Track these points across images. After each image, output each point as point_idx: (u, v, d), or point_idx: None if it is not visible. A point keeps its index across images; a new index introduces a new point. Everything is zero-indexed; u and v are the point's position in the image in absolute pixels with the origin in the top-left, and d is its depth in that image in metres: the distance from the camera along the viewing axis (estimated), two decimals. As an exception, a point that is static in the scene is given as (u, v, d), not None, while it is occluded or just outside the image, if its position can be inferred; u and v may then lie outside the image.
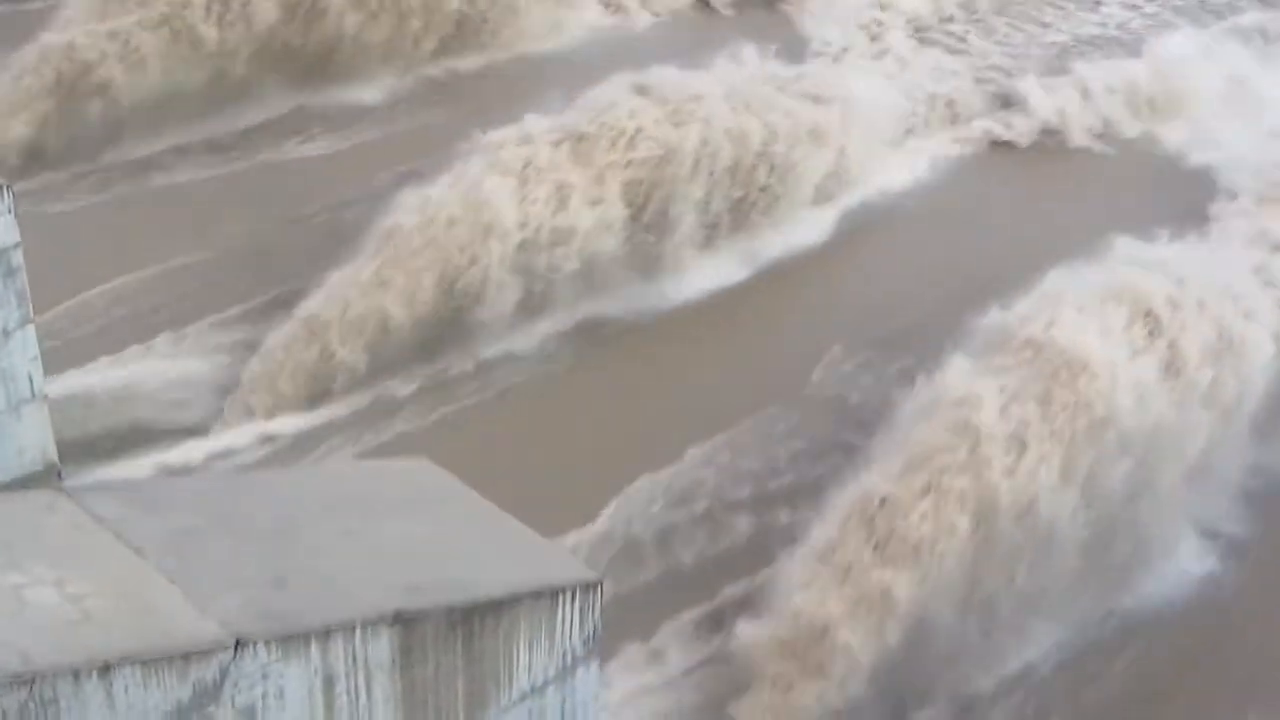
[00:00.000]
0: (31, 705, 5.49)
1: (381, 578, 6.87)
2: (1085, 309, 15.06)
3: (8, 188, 9.58)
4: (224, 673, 6.03)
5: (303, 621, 6.35)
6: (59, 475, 10.66)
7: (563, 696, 7.54)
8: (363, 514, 7.52)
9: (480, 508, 7.80)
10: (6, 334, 10.04)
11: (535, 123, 18.07)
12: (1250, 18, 27.25)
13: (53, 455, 10.67)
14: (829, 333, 17.36)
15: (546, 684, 7.41)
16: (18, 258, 9.75)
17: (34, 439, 10.46)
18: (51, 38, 19.99)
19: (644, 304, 17.79)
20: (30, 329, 10.23)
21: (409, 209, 16.85)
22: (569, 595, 7.35)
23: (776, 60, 20.84)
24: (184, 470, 13.84)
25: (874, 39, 24.15)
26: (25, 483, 9.94)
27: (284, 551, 6.88)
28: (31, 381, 10.35)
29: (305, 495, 7.97)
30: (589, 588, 7.47)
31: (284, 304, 16.51)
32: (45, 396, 10.61)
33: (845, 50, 23.74)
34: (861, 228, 19.47)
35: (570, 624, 7.40)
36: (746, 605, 13.44)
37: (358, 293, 15.94)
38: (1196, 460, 14.77)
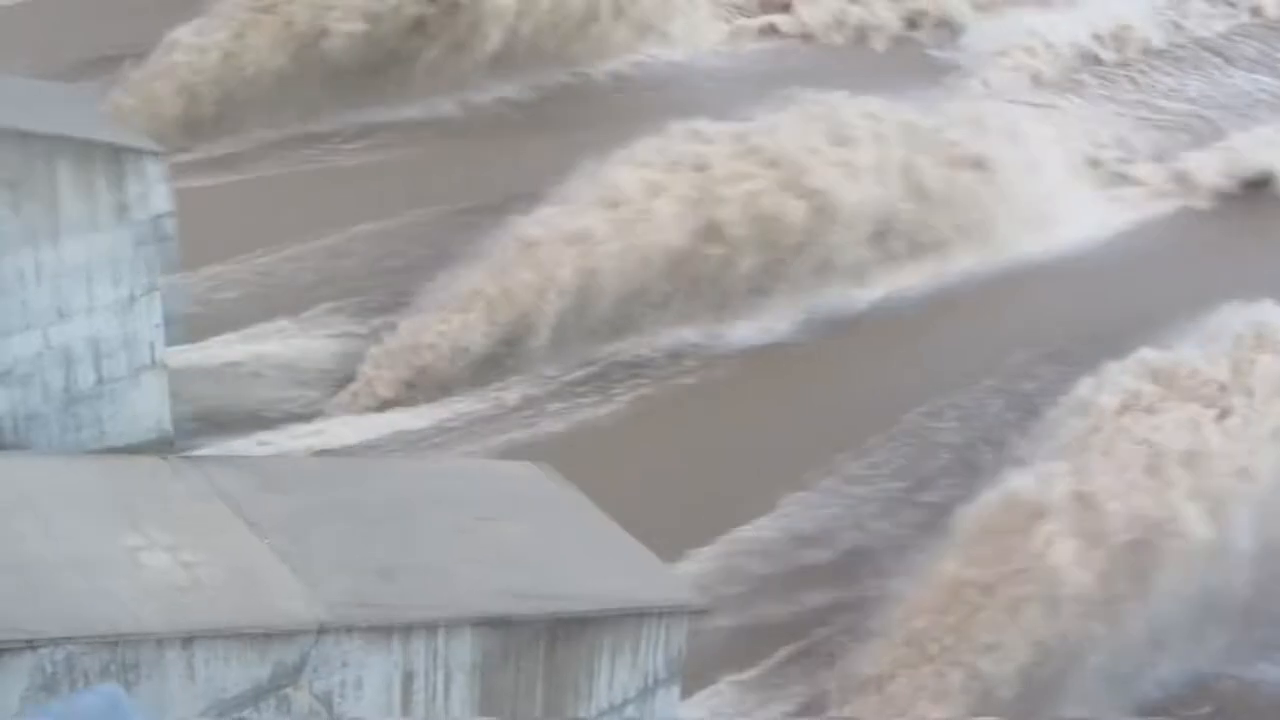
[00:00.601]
0: (114, 668, 5.71)
1: (484, 579, 7.00)
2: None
3: (161, 156, 9.90)
4: (304, 657, 6.21)
5: (389, 614, 6.51)
6: (171, 446, 10.94)
7: (641, 716, 7.60)
8: (474, 512, 7.67)
9: (591, 517, 7.90)
10: (133, 299, 10.34)
11: (685, 135, 17.85)
12: None
13: (167, 425, 10.97)
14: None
15: (626, 702, 7.49)
16: (168, 226, 10.05)
17: (151, 407, 10.77)
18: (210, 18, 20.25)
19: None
20: (156, 297, 10.53)
21: (546, 219, 16.66)
22: (657, 617, 7.43)
23: (934, 97, 20.52)
24: (293, 453, 13.97)
25: (1035, 78, 23.55)
26: (138, 449, 10.22)
27: (394, 541, 7.03)
28: (153, 349, 10.66)
29: (420, 488, 8.13)
30: (678, 611, 7.55)
31: (409, 298, 16.51)
32: (165, 365, 10.92)
33: (1006, 88, 23.18)
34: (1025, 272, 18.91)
35: (655, 645, 7.47)
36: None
37: (490, 291, 15.85)
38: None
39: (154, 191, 9.62)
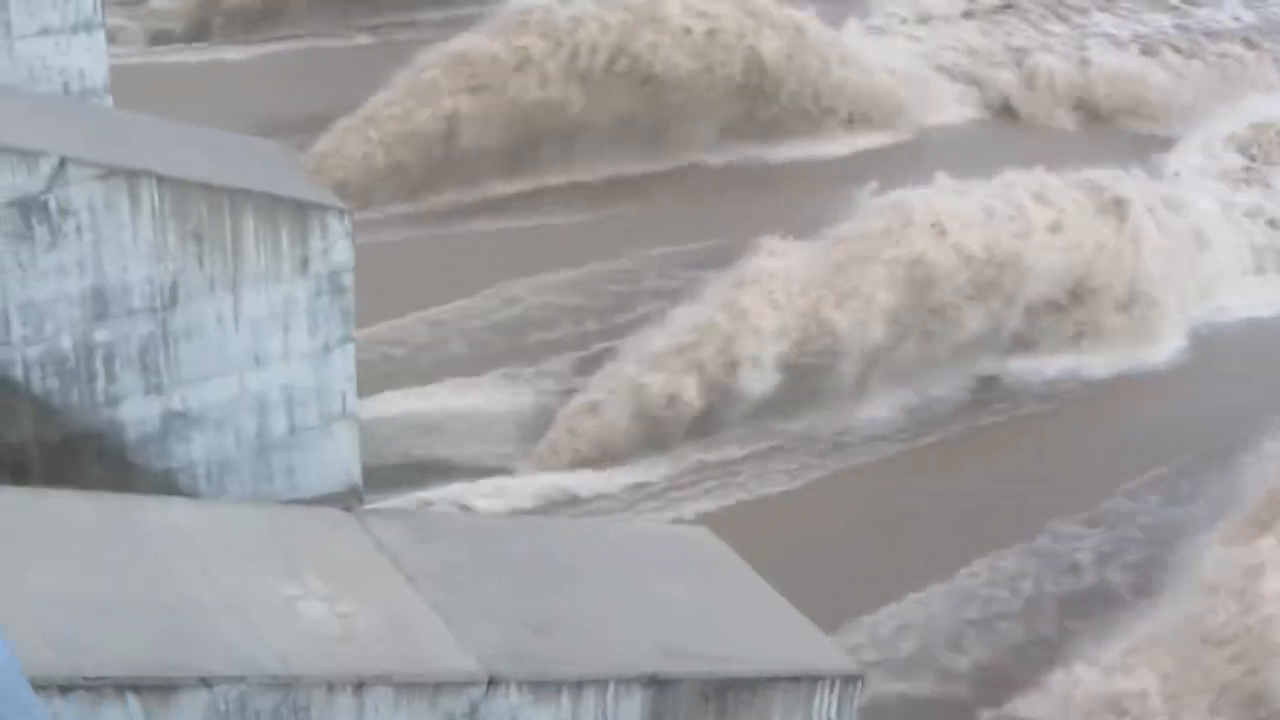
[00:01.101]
0: (284, 710, 5.78)
1: (642, 638, 6.97)
2: None
3: (348, 213, 10.11)
4: (474, 708, 6.23)
5: (559, 669, 6.50)
6: (360, 498, 11.11)
7: (808, 783, 7.48)
8: (632, 572, 7.65)
9: (752, 584, 7.82)
10: (328, 349, 10.54)
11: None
12: None
13: (356, 477, 11.13)
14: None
15: (794, 769, 7.37)
16: (349, 279, 10.25)
17: (341, 458, 10.93)
18: (416, 73, 20.79)
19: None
20: (350, 348, 10.73)
21: (754, 276, 16.64)
22: (829, 685, 7.32)
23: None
24: (481, 508, 14.10)
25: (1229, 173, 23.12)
26: (327, 500, 10.39)
27: (549, 598, 7.04)
28: (345, 400, 10.84)
29: (578, 546, 8.11)
30: (850, 680, 7.43)
31: (600, 357, 16.61)
32: (357, 416, 11.11)
33: (1199, 170, 22.78)
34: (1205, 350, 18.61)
35: (827, 713, 7.35)
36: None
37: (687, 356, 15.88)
38: None
39: (336, 246, 9.82)
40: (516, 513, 14.09)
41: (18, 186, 8.66)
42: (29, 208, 8.74)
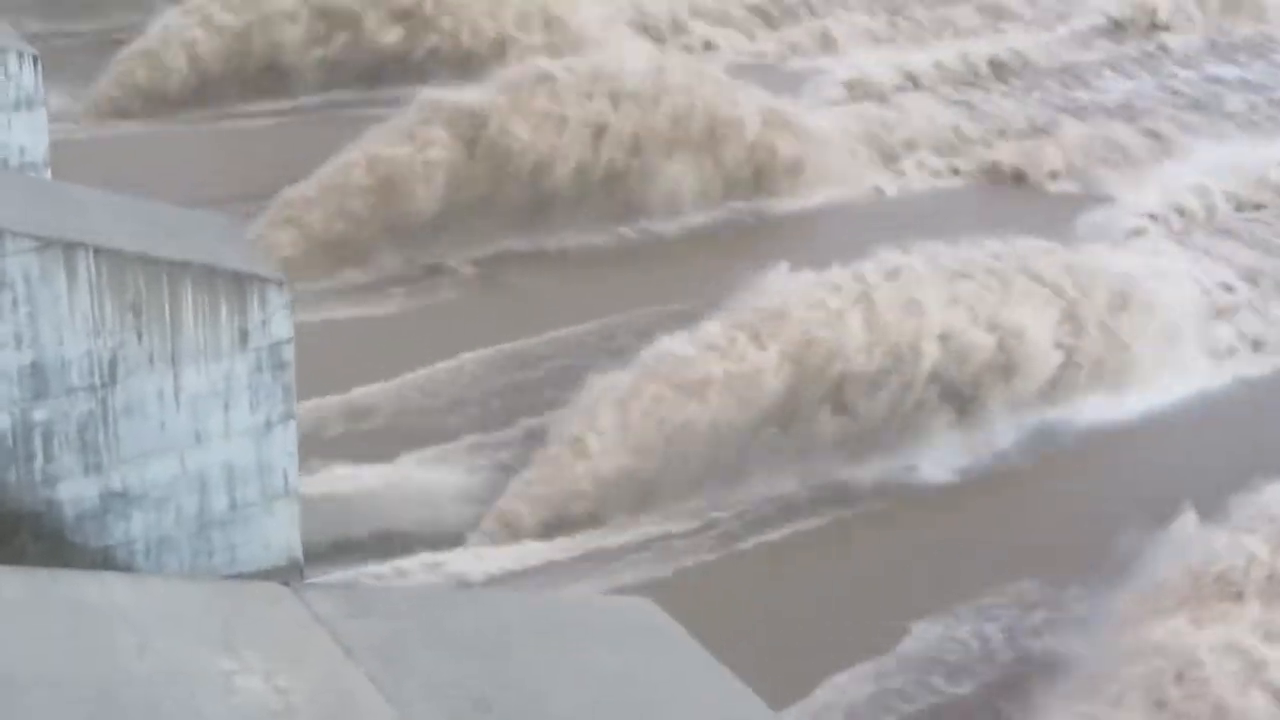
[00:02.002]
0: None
1: (577, 711, 6.95)
2: None
3: (286, 284, 10.13)
4: (402, 784, 6.21)
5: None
6: (300, 573, 11.08)
7: None
8: (574, 645, 7.62)
9: (694, 654, 7.79)
10: (269, 426, 10.54)
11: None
12: None
13: (297, 552, 11.09)
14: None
15: None
16: (289, 353, 10.25)
17: (282, 534, 10.91)
18: (365, 150, 20.97)
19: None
20: (292, 424, 10.73)
21: (689, 343, 16.70)
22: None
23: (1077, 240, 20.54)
24: (425, 581, 14.09)
25: (1172, 230, 23.45)
26: (268, 575, 10.36)
27: (490, 671, 7.02)
28: (286, 477, 10.83)
29: (520, 618, 8.07)
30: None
31: (541, 431, 16.67)
32: (298, 493, 11.09)
33: (1145, 233, 23.10)
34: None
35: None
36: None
37: (631, 419, 15.90)
38: None
39: (275, 318, 9.83)
40: (460, 585, 14.08)
41: (-47, 260, 8.69)
42: (-36, 282, 8.77)
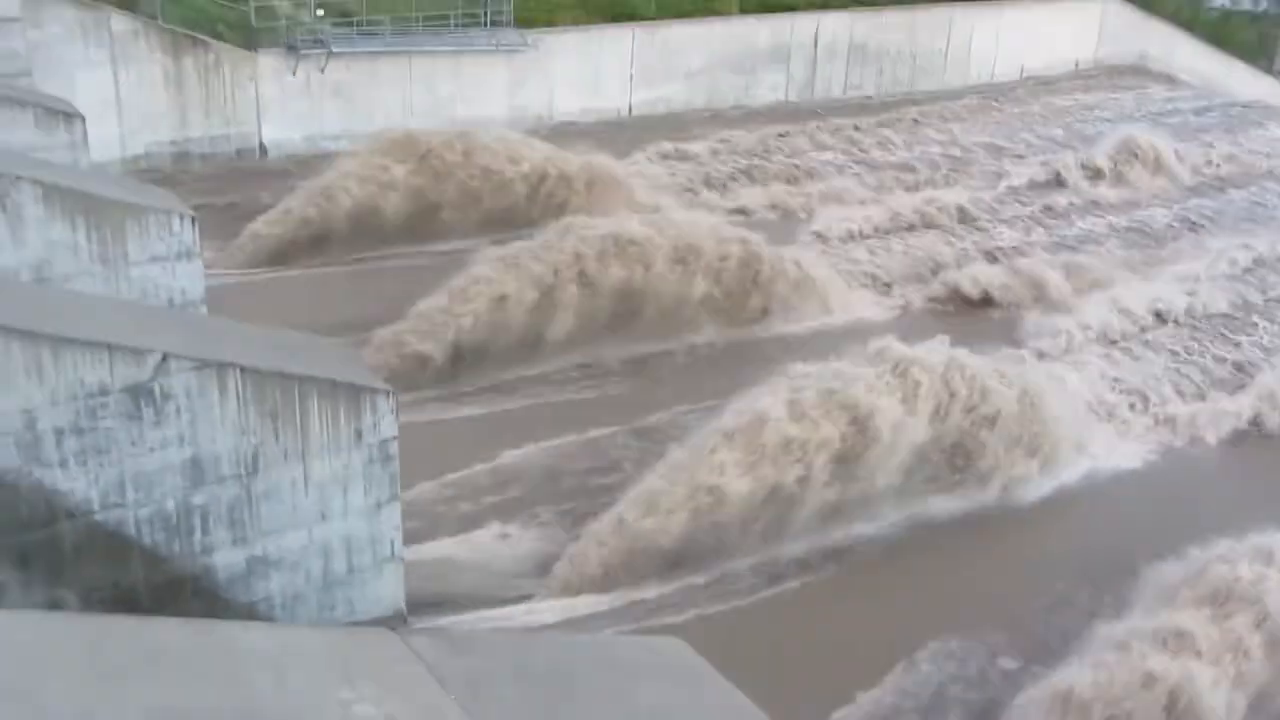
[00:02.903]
0: (339, 799, 5.73)
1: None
2: None
3: (393, 394, 10.22)
4: (493, 792, 6.17)
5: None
6: (404, 620, 11.08)
7: None
8: (621, 677, 7.59)
9: (719, 686, 7.74)
10: (379, 506, 10.59)
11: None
12: None
13: (401, 604, 11.12)
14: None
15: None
16: (394, 448, 10.33)
17: (389, 591, 10.94)
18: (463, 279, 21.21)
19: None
20: (396, 504, 10.78)
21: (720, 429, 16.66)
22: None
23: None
24: (503, 627, 14.06)
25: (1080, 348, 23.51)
26: (378, 623, 10.35)
27: (555, 699, 6.98)
28: (393, 546, 10.87)
29: (580, 657, 8.05)
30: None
31: (605, 503, 16.71)
32: (402, 558, 11.11)
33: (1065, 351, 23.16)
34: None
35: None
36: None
37: (675, 495, 15.90)
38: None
39: (384, 421, 9.91)
40: (532, 629, 14.01)
41: (130, 376, 8.77)
42: (138, 393, 8.84)
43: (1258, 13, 61.30)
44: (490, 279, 21.07)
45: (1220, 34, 51.09)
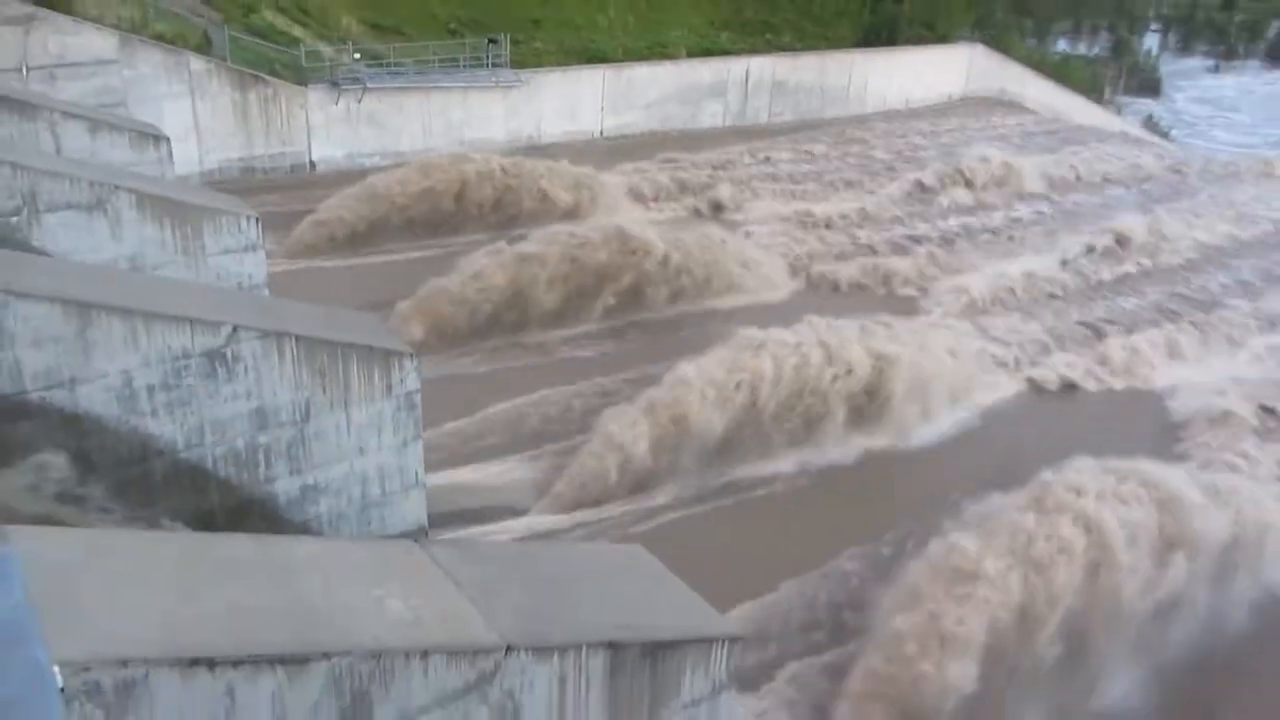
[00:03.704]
0: (377, 672, 5.68)
1: (604, 619, 6.90)
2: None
3: (415, 356, 10.12)
4: (498, 666, 6.13)
5: (552, 639, 6.43)
6: (426, 533, 11.02)
7: (712, 710, 7.41)
8: (594, 577, 7.58)
9: (669, 581, 7.76)
10: (405, 444, 10.48)
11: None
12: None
13: (424, 521, 11.03)
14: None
15: (702, 700, 7.29)
16: (418, 398, 10.23)
17: (414, 511, 10.85)
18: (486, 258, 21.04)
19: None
20: (419, 443, 10.66)
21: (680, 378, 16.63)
22: (721, 643, 7.27)
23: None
24: (505, 538, 14.07)
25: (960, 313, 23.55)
26: (405, 535, 10.30)
27: (546, 595, 6.96)
28: (417, 475, 10.78)
29: (560, 561, 8.06)
30: (734, 639, 7.39)
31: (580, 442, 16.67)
32: (425, 484, 11.04)
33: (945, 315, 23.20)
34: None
35: (720, 662, 7.30)
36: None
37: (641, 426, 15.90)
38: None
39: (409, 378, 9.83)
40: (526, 539, 14.03)
41: (207, 343, 8.67)
42: (214, 357, 8.73)
43: (1091, 56, 61.47)
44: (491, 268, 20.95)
45: (1062, 73, 51.39)
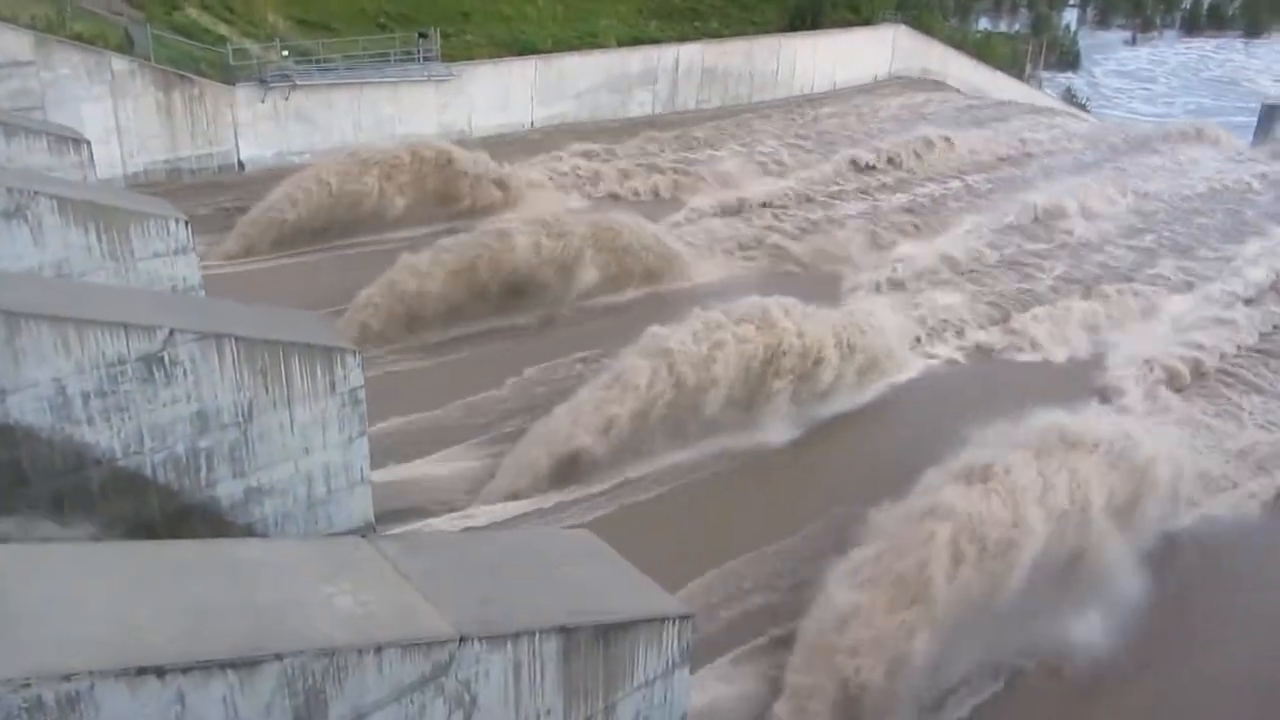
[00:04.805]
0: (330, 669, 5.63)
1: (554, 604, 6.91)
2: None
3: (358, 353, 10.02)
4: (452, 657, 6.11)
5: (504, 627, 6.42)
6: (374, 530, 10.93)
7: (666, 688, 7.47)
8: (544, 563, 7.57)
9: (619, 564, 7.79)
10: (350, 440, 10.39)
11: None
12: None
13: (370, 518, 10.95)
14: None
15: (656, 679, 7.35)
16: (362, 394, 10.13)
17: (360, 508, 10.76)
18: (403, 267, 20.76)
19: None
20: (364, 439, 10.58)
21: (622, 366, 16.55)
22: (672, 622, 7.32)
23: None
24: (450, 530, 13.94)
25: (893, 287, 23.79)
26: (352, 532, 10.22)
27: (493, 582, 6.95)
28: (362, 472, 10.69)
29: (509, 549, 8.02)
30: (685, 618, 7.44)
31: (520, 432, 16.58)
32: (370, 481, 10.94)
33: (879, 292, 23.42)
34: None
35: (672, 641, 7.35)
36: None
37: (583, 414, 15.71)
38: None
39: (352, 375, 9.73)
40: (471, 530, 13.91)
41: (143, 348, 8.51)
42: (150, 361, 8.58)
43: (1011, 33, 62.43)
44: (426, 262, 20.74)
45: (984, 50, 52.11)
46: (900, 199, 31.27)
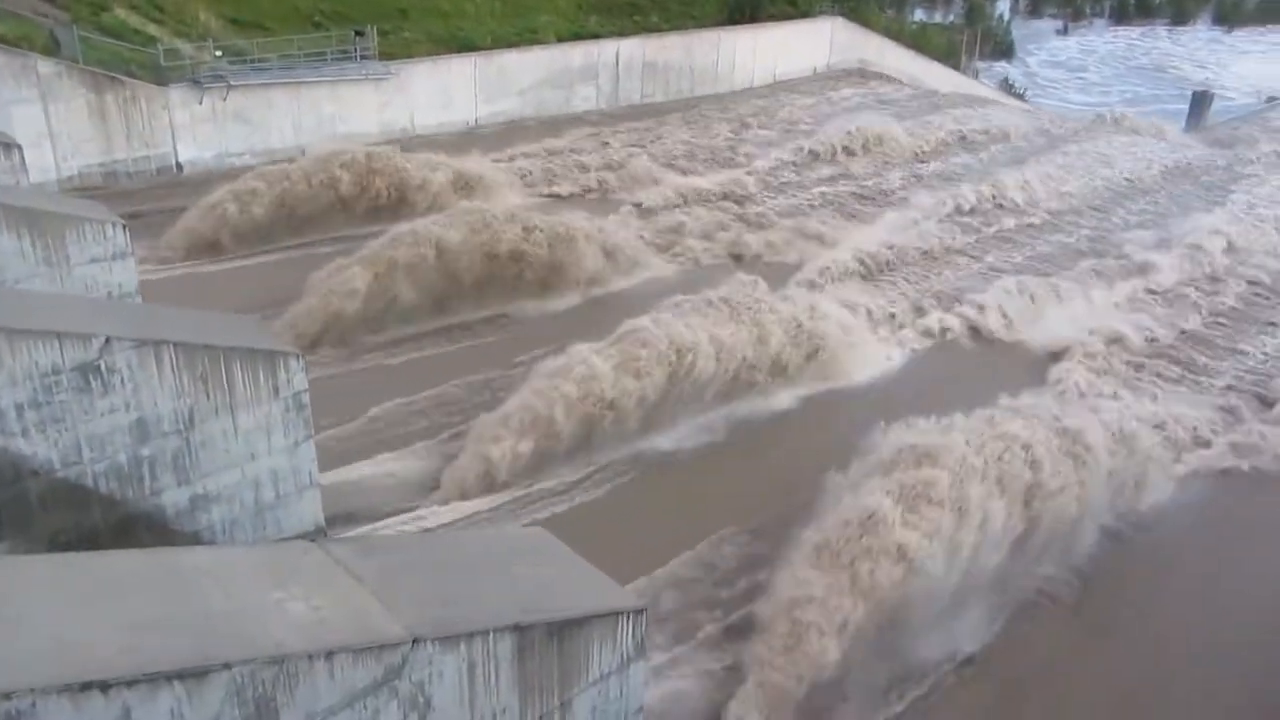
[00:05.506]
0: (281, 677, 5.54)
1: (508, 602, 6.86)
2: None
3: (302, 357, 9.88)
4: (405, 659, 6.05)
5: (457, 628, 6.37)
6: (324, 533, 10.80)
7: (621, 682, 7.45)
8: (498, 562, 7.52)
9: (573, 560, 7.75)
10: (297, 444, 10.24)
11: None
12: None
13: (321, 521, 10.80)
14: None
15: (611, 674, 7.32)
16: (306, 398, 9.98)
17: (310, 511, 10.61)
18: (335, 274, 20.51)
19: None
20: (310, 443, 10.42)
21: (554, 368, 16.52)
22: (626, 617, 7.30)
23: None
24: (400, 530, 13.85)
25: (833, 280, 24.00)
26: (302, 536, 10.08)
27: (448, 582, 6.88)
28: (310, 475, 10.54)
29: (462, 548, 7.95)
30: (639, 612, 7.43)
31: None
32: (319, 484, 10.81)
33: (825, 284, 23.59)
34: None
35: (626, 635, 7.33)
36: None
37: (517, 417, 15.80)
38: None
39: (296, 379, 9.59)
40: (424, 531, 13.84)
41: (78, 357, 8.31)
42: (87, 370, 8.38)
43: (947, 24, 63.08)
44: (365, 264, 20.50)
45: (920, 41, 52.62)
46: (857, 186, 31.71)
